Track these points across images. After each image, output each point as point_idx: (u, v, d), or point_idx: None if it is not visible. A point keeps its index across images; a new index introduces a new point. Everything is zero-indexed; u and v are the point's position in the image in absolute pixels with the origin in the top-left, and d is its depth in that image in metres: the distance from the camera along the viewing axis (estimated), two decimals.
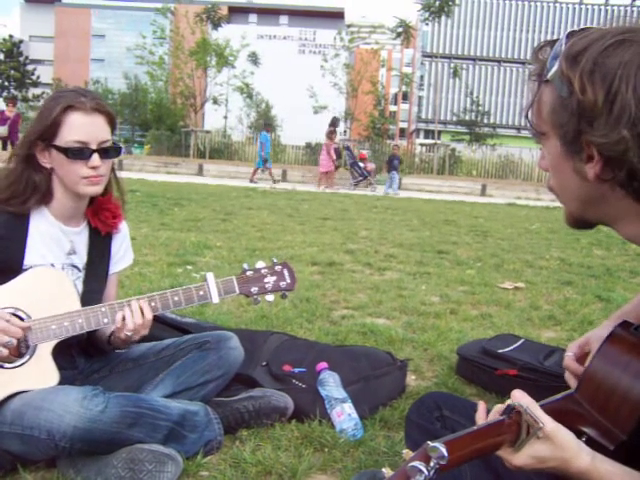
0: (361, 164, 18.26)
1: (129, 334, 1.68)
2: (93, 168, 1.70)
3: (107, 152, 1.73)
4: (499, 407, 0.96)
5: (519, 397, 0.94)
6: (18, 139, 17.70)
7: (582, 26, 0.94)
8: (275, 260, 1.90)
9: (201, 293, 1.77)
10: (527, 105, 0.98)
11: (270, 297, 1.86)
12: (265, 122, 18.70)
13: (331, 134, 17.64)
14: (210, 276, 1.80)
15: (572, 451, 0.90)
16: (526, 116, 0.99)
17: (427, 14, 31.84)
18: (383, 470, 0.87)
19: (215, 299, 1.78)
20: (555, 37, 0.96)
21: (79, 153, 1.68)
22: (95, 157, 1.69)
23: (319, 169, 17.87)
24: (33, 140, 1.69)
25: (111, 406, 1.57)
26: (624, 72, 0.83)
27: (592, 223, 1.03)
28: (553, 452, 0.89)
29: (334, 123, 18.80)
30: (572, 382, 1.22)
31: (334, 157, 17.26)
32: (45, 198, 1.75)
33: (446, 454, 0.81)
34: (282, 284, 1.86)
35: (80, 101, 1.67)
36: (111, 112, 1.76)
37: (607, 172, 0.89)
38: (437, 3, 31.14)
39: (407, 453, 0.85)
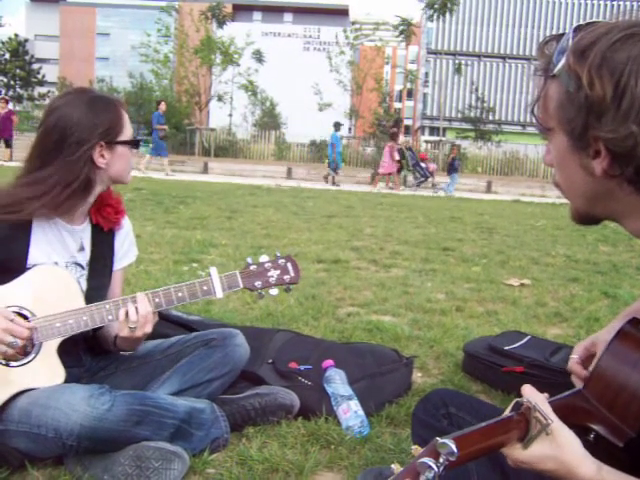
0: (422, 164, 18.18)
1: (132, 327, 1.68)
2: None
3: None
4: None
5: (529, 393, 0.93)
6: (11, 137, 17.77)
7: (588, 21, 0.93)
8: (279, 254, 1.89)
9: (205, 288, 1.77)
10: (533, 100, 0.97)
11: (274, 291, 1.85)
12: (336, 122, 18.23)
13: (394, 135, 17.48)
14: (214, 271, 1.80)
15: (575, 456, 0.88)
16: (532, 111, 0.97)
17: (431, 11, 31.79)
18: (392, 466, 0.86)
19: (219, 294, 1.78)
20: (560, 33, 0.95)
21: (137, 143, 1.85)
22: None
23: (379, 170, 17.82)
24: (92, 144, 1.71)
25: (117, 404, 1.58)
26: (633, 67, 0.82)
27: (599, 219, 1.02)
28: (553, 452, 0.88)
29: (397, 124, 18.65)
30: (578, 384, 1.21)
31: (397, 158, 17.22)
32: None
33: (456, 450, 0.80)
34: (286, 277, 1.85)
35: (118, 97, 1.84)
36: None
37: (615, 168, 0.88)
38: (439, 0, 31.09)
39: (416, 449, 0.85)
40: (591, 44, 0.86)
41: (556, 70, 0.90)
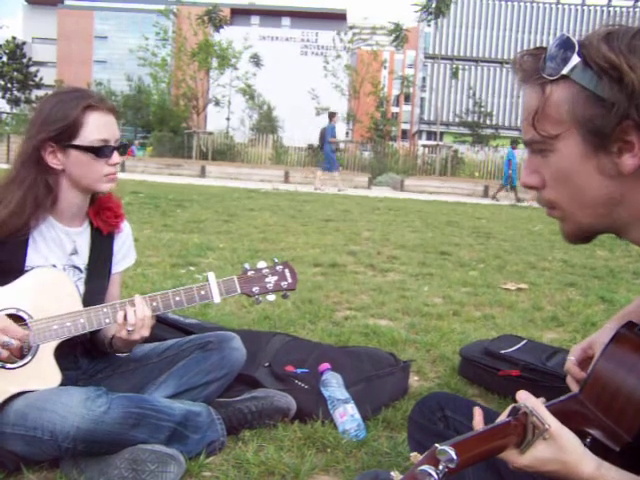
0: None
1: (130, 329, 1.67)
2: (113, 165, 1.75)
3: (120, 149, 1.78)
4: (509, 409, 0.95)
5: (524, 398, 0.93)
6: None
7: (584, 27, 0.93)
8: (276, 260, 1.90)
9: (202, 293, 1.77)
10: (532, 114, 0.92)
11: (271, 297, 1.86)
12: (513, 139, 17.71)
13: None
14: (211, 276, 1.80)
15: (575, 455, 0.88)
16: (533, 126, 0.92)
17: (425, 15, 31.85)
18: (391, 474, 0.86)
19: (216, 299, 1.78)
20: (535, 47, 0.94)
21: (104, 151, 1.72)
22: (116, 154, 1.75)
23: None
24: (43, 142, 1.67)
25: (114, 407, 1.57)
26: None
27: (597, 232, 0.99)
28: (555, 454, 0.88)
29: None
30: (573, 386, 1.21)
31: None
32: (54, 199, 1.75)
33: (455, 457, 0.80)
34: (283, 284, 1.86)
35: (97, 100, 1.71)
36: (117, 111, 1.82)
37: None
38: (433, 5, 31.15)
39: (415, 456, 0.85)
40: (609, 36, 0.84)
41: (565, 70, 0.87)
